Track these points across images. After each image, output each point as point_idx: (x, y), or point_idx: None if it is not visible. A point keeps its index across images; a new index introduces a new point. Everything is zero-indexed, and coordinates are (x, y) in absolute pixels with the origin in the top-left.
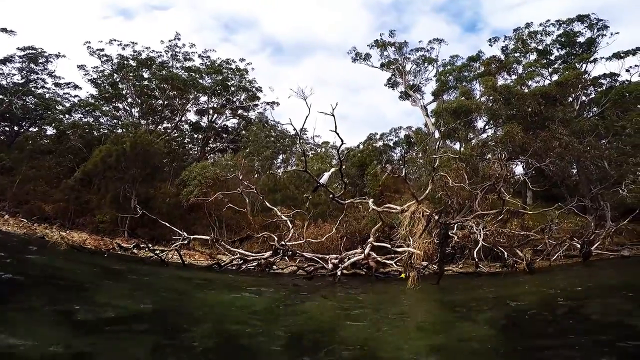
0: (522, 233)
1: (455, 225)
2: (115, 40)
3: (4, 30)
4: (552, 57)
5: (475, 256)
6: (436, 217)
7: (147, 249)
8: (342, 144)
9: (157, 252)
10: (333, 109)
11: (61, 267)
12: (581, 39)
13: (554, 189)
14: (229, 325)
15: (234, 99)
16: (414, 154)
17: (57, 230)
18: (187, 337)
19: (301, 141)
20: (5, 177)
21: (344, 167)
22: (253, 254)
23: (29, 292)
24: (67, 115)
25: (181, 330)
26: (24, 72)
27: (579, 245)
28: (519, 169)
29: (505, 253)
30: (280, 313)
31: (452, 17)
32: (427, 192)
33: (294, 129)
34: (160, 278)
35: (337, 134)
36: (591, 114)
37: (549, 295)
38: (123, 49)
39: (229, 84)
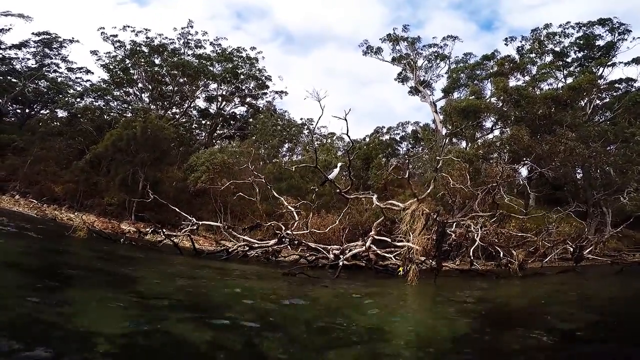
0: (519, 234)
1: (454, 224)
2: (128, 26)
3: (21, 15)
4: (569, 60)
5: (471, 254)
6: (434, 216)
7: (162, 234)
8: (352, 145)
9: (173, 238)
10: (346, 114)
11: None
12: (600, 43)
13: (558, 192)
14: None
15: (243, 87)
16: (420, 149)
17: (77, 215)
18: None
19: (314, 137)
20: (17, 158)
21: (350, 167)
22: (259, 242)
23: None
24: (78, 99)
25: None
26: (38, 56)
27: (571, 249)
28: (523, 172)
29: (502, 252)
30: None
31: (469, 15)
32: (428, 191)
33: (308, 128)
34: (181, 266)
35: (349, 137)
36: (602, 119)
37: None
38: (136, 35)
39: (239, 72)
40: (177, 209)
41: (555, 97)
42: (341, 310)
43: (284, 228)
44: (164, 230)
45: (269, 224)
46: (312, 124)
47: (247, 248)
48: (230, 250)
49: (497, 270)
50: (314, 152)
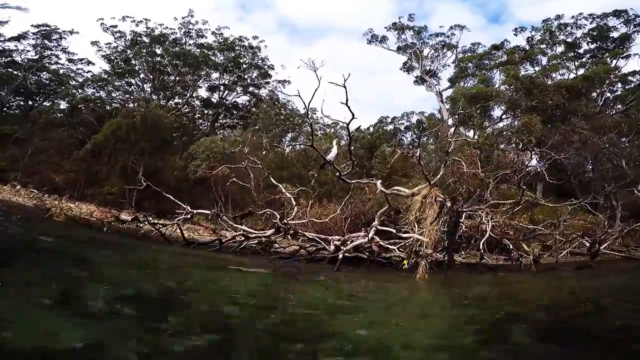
0: (530, 227)
1: (463, 214)
2: (128, 16)
3: (19, 8)
4: (581, 51)
5: (481, 247)
6: (449, 204)
7: (147, 222)
8: (353, 118)
9: (159, 226)
10: (345, 80)
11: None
12: (615, 34)
13: (566, 184)
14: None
15: (246, 76)
16: (425, 139)
17: (57, 202)
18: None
19: (309, 115)
20: (18, 149)
21: (352, 146)
22: (255, 232)
23: None
24: (79, 90)
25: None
26: (38, 48)
27: (588, 244)
28: (532, 162)
29: (511, 245)
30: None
31: (477, 7)
32: (439, 176)
33: (302, 101)
34: (157, 255)
35: (348, 107)
36: (614, 111)
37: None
38: (136, 25)
39: (241, 61)
40: (171, 197)
41: (569, 87)
42: (326, 324)
43: (278, 217)
44: (149, 218)
45: (263, 211)
46: (315, 111)
47: (243, 238)
48: (223, 240)
49: (509, 264)
50: (310, 126)
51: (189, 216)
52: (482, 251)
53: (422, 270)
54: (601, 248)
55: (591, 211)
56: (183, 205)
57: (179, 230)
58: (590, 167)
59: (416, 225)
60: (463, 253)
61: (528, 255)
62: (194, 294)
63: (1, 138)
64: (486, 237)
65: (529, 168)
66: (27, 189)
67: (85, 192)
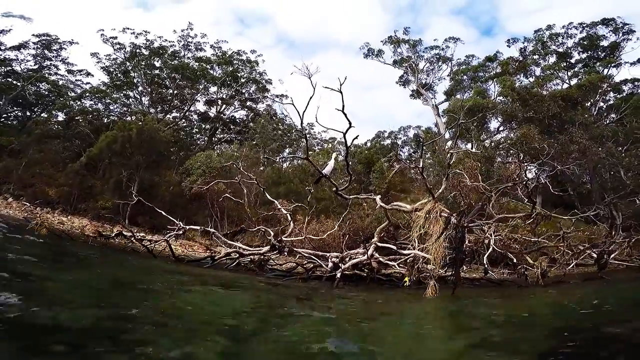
0: (533, 239)
1: (467, 229)
2: (128, 28)
3: (22, 17)
4: (573, 61)
5: (485, 262)
6: (454, 220)
7: (133, 238)
8: (350, 126)
9: (146, 242)
10: (341, 84)
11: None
12: (604, 43)
13: (565, 195)
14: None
15: (243, 91)
16: (422, 153)
17: (49, 215)
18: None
19: (304, 126)
20: (12, 160)
21: (349, 160)
22: (250, 249)
23: None
24: (77, 102)
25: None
26: (38, 58)
27: (595, 255)
28: (530, 174)
29: (515, 259)
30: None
31: (469, 20)
32: (441, 189)
33: (297, 110)
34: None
35: (345, 114)
36: (608, 121)
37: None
38: (136, 37)
39: (239, 75)
40: (163, 213)
41: (565, 96)
42: None
43: (272, 234)
44: (135, 233)
45: (257, 228)
46: (313, 126)
47: (237, 255)
48: (215, 257)
49: (514, 278)
50: (304, 137)
51: (181, 232)
52: (486, 266)
53: (431, 290)
54: (609, 259)
55: (594, 222)
56: (175, 221)
57: (176, 246)
58: (588, 178)
59: (416, 241)
60: (465, 267)
61: (533, 268)
62: (147, 326)
63: None
64: (489, 251)
65: (533, 180)
66: (19, 202)
67: (79, 206)
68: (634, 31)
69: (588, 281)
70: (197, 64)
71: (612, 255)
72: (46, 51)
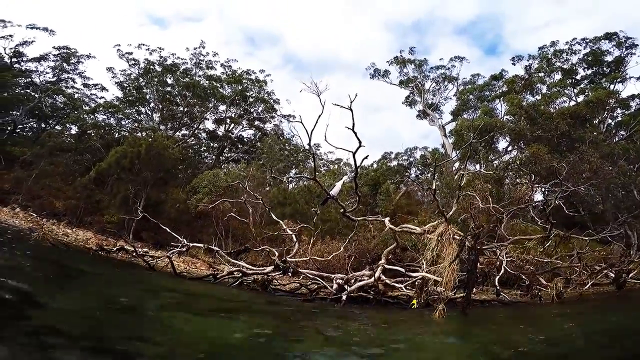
0: (545, 260)
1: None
2: (143, 44)
3: (46, 29)
4: (578, 77)
5: (496, 283)
6: (468, 244)
7: (134, 254)
8: (360, 146)
9: (147, 258)
10: (351, 102)
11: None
12: (609, 58)
13: (576, 215)
14: None
15: (252, 110)
16: (429, 175)
17: (54, 226)
18: None
19: (311, 146)
20: (24, 172)
21: (358, 180)
22: (254, 268)
23: None
24: (91, 115)
25: None
26: (57, 70)
27: (612, 274)
28: (538, 196)
29: (527, 281)
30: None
31: (473, 40)
32: (452, 211)
33: (305, 128)
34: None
35: (355, 132)
36: (617, 138)
37: None
38: (150, 53)
39: (248, 94)
40: (168, 229)
41: (573, 113)
42: None
43: (277, 254)
44: (137, 249)
45: (261, 248)
46: (320, 147)
47: (240, 274)
48: (217, 275)
49: (528, 300)
50: (312, 156)
51: (185, 249)
52: (497, 287)
53: (438, 314)
54: (628, 277)
55: (609, 241)
56: (179, 238)
57: (179, 262)
58: (600, 198)
59: (424, 263)
60: (475, 289)
61: (547, 289)
62: None
63: (10, 159)
64: (501, 272)
65: (546, 201)
66: (27, 212)
67: (85, 219)
68: (637, 45)
69: (607, 302)
70: (207, 82)
71: (631, 275)
72: (64, 64)
